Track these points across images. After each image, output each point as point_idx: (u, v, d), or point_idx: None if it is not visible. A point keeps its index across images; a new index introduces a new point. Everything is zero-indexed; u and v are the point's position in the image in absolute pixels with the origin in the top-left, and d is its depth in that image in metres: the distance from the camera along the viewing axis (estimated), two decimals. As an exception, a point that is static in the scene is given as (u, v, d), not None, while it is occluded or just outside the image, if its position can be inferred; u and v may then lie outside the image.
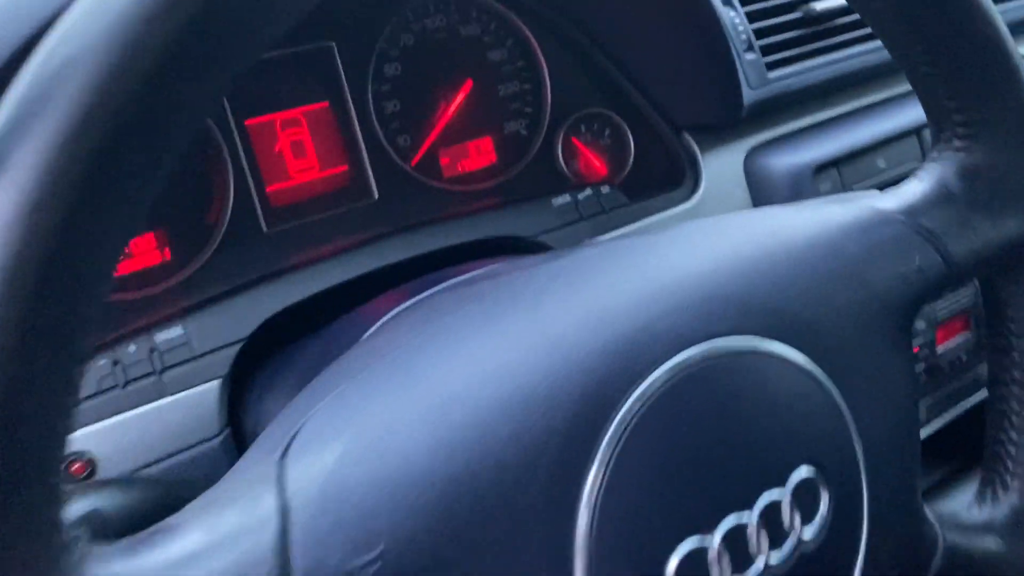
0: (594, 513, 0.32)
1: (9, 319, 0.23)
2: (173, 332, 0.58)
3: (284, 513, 0.29)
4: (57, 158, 0.23)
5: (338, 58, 0.74)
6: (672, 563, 0.32)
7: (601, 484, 0.32)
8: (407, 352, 0.36)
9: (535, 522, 0.31)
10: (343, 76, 0.74)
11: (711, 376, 0.35)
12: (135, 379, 0.56)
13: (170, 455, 0.55)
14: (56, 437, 0.25)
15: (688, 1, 0.73)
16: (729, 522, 0.34)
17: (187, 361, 0.57)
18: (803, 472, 0.36)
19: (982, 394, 0.88)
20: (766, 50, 0.79)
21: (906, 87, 0.89)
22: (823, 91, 0.84)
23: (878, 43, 0.84)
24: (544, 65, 0.82)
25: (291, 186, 0.72)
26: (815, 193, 0.79)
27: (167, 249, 0.67)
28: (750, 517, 0.34)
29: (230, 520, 0.29)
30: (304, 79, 0.72)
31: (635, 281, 0.37)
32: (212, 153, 0.68)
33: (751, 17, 0.78)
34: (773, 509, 0.35)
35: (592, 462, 0.32)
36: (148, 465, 0.55)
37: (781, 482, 0.35)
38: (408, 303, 0.51)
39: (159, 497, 0.46)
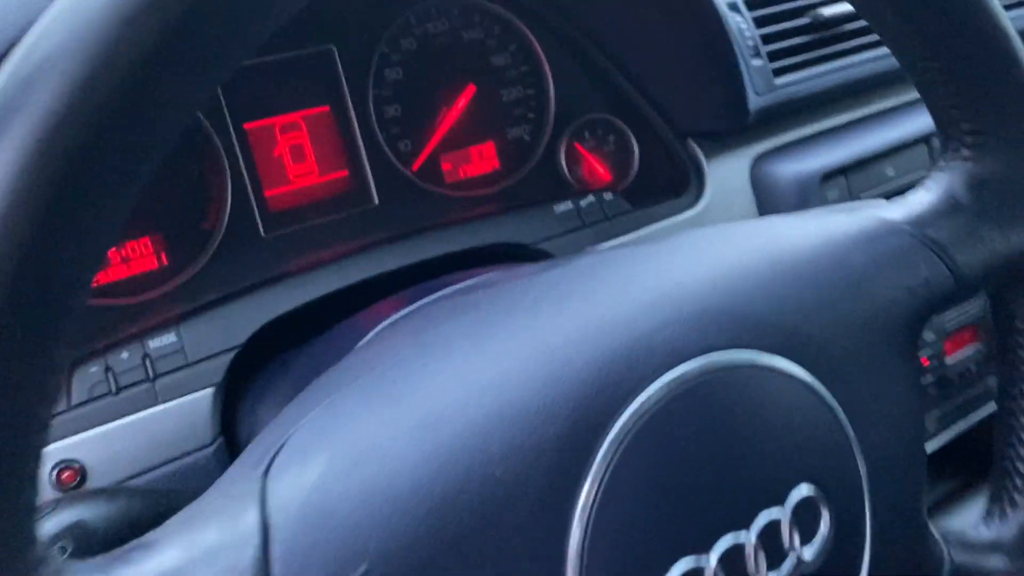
0: (586, 532, 0.31)
1: None
2: (167, 339, 0.57)
3: (265, 530, 0.29)
4: (33, 158, 0.22)
5: (338, 61, 0.73)
6: None
7: (594, 502, 0.31)
8: (396, 364, 0.35)
9: (525, 540, 0.30)
10: (343, 80, 0.73)
11: (709, 391, 0.34)
12: (127, 386, 0.55)
13: (162, 464, 0.55)
14: (30, 450, 0.25)
15: (693, 6, 0.72)
16: (726, 542, 0.33)
17: (180, 368, 0.57)
18: (803, 490, 0.35)
19: (992, 407, 0.87)
20: (773, 56, 0.78)
21: (916, 94, 0.88)
22: (831, 98, 0.83)
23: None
24: (548, 70, 0.82)
25: (290, 191, 0.72)
26: (822, 201, 0.78)
27: (163, 254, 0.67)
28: (748, 537, 0.33)
29: (209, 537, 0.29)
30: (304, 82, 0.72)
31: (632, 292, 0.36)
32: (210, 157, 0.68)
33: (758, 23, 0.77)
34: (772, 528, 0.34)
35: (585, 479, 0.31)
36: (140, 474, 0.54)
37: (780, 500, 0.34)
38: (402, 312, 0.50)
39: (148, 507, 0.45)
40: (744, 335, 0.35)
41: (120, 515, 0.43)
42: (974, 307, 0.85)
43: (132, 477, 0.54)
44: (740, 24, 0.76)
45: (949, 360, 0.84)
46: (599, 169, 0.83)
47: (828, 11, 0.80)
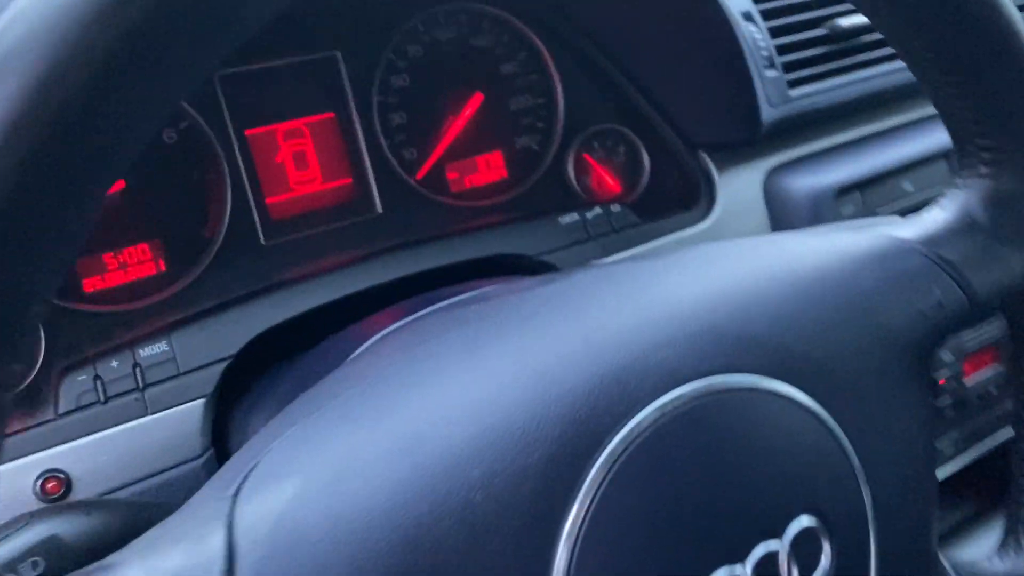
0: (571, 562, 0.29)
1: None
2: (158, 347, 0.56)
3: (231, 554, 0.28)
4: None
5: (343, 68, 0.72)
6: None
7: (579, 531, 0.29)
8: (379, 382, 0.33)
9: (506, 569, 0.29)
10: (348, 86, 0.72)
11: (705, 415, 0.32)
12: (116, 396, 0.54)
13: (150, 476, 0.53)
14: None
15: (703, 15, 0.71)
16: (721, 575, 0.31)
17: (171, 378, 0.56)
18: (803, 521, 0.33)
19: (1011, 431, 0.85)
20: (788, 67, 0.76)
21: (935, 108, 0.86)
22: (848, 110, 0.81)
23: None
24: (557, 79, 0.81)
25: (292, 198, 0.70)
26: (836, 217, 0.76)
27: (162, 260, 0.66)
28: (744, 570, 0.32)
29: (173, 560, 0.28)
30: (308, 89, 0.71)
31: (629, 309, 0.34)
32: (210, 163, 0.67)
33: (773, 33, 0.76)
34: (769, 562, 0.32)
35: (571, 507, 0.30)
36: (126, 486, 0.53)
37: (778, 532, 0.33)
38: (393, 326, 0.49)
39: (128, 521, 0.44)
40: (743, 357, 0.34)
41: (99, 530, 0.41)
42: (995, 327, 0.83)
43: (118, 489, 0.53)
44: (755, 34, 0.74)
45: (968, 381, 0.82)
46: (608, 180, 0.82)
47: (846, 22, 0.78)
